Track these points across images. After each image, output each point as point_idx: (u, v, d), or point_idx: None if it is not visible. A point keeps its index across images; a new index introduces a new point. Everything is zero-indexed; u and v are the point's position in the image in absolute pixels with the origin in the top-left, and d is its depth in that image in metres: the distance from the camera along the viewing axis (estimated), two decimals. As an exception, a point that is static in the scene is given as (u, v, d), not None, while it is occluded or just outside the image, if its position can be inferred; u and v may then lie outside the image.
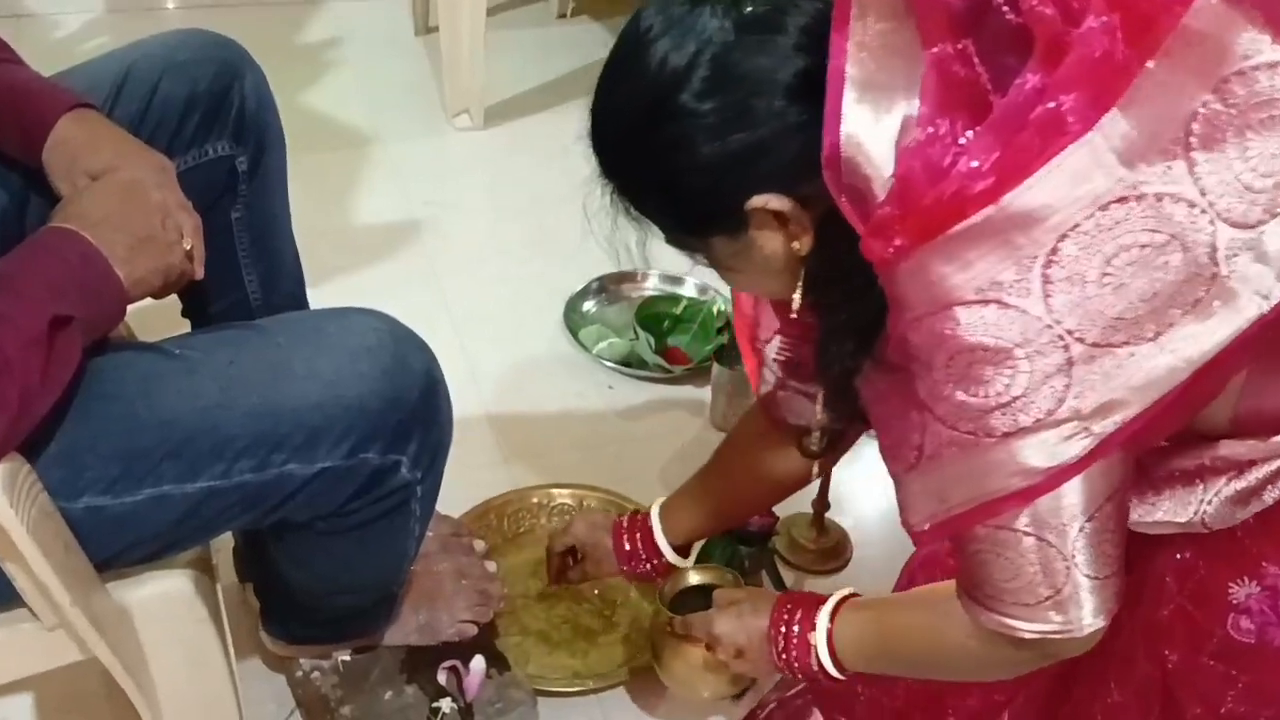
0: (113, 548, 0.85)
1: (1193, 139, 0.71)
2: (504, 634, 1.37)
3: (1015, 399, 0.76)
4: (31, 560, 0.75)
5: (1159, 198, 0.72)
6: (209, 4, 2.72)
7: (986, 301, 0.74)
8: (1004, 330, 0.74)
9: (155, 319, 1.22)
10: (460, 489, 1.48)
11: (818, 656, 1.03)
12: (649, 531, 1.30)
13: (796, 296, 0.90)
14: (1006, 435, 0.77)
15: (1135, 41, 0.70)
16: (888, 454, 0.88)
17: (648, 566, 1.30)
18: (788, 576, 1.52)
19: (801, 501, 1.61)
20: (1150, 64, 0.70)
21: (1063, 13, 0.72)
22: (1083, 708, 1.05)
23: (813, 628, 1.04)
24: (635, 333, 1.88)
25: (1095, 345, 0.74)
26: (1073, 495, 0.79)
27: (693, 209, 0.87)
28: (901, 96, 0.75)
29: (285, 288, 1.22)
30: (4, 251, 0.87)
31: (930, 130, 0.74)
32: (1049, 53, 0.72)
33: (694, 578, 1.30)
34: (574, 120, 2.49)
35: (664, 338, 1.90)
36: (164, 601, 0.91)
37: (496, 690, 1.25)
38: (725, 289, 1.96)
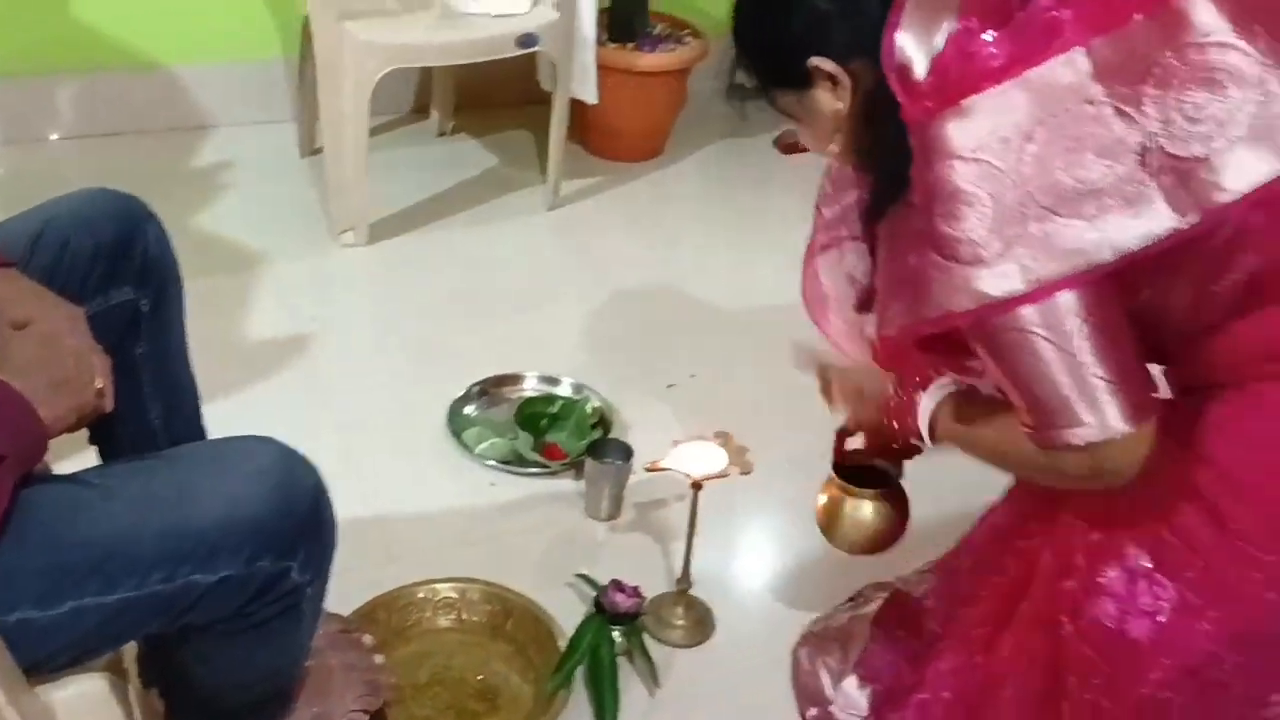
0: (39, 654, 0.97)
1: (1149, 79, 1.00)
2: (394, 722, 1.49)
3: (967, 239, 1.03)
4: (-31, 667, 0.87)
5: (1116, 111, 1.00)
6: (100, 134, 2.82)
7: (978, 160, 1.02)
8: (983, 183, 1.02)
9: (64, 444, 1.34)
10: (349, 588, 1.60)
11: (918, 419, 1.28)
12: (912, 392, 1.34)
13: (834, 144, 1.21)
14: (969, 263, 1.04)
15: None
16: (884, 279, 1.16)
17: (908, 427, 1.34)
18: (657, 652, 1.66)
19: (666, 582, 1.78)
20: (1137, 17, 1.01)
21: None
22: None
23: (923, 391, 1.28)
24: (515, 432, 2.03)
25: (1045, 209, 1.01)
26: (1044, 312, 1.03)
27: (780, 65, 1.20)
28: (946, 18, 1.05)
29: (184, 413, 1.35)
30: None
31: (965, 25, 1.04)
32: None
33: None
34: (456, 234, 2.79)
35: (542, 435, 2.05)
36: (83, 701, 1.03)
37: (388, 772, 1.37)
38: (599, 388, 2.14)
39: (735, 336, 2.39)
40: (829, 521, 1.50)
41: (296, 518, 1.05)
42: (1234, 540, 1.10)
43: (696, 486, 1.67)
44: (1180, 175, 1.00)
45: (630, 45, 2.91)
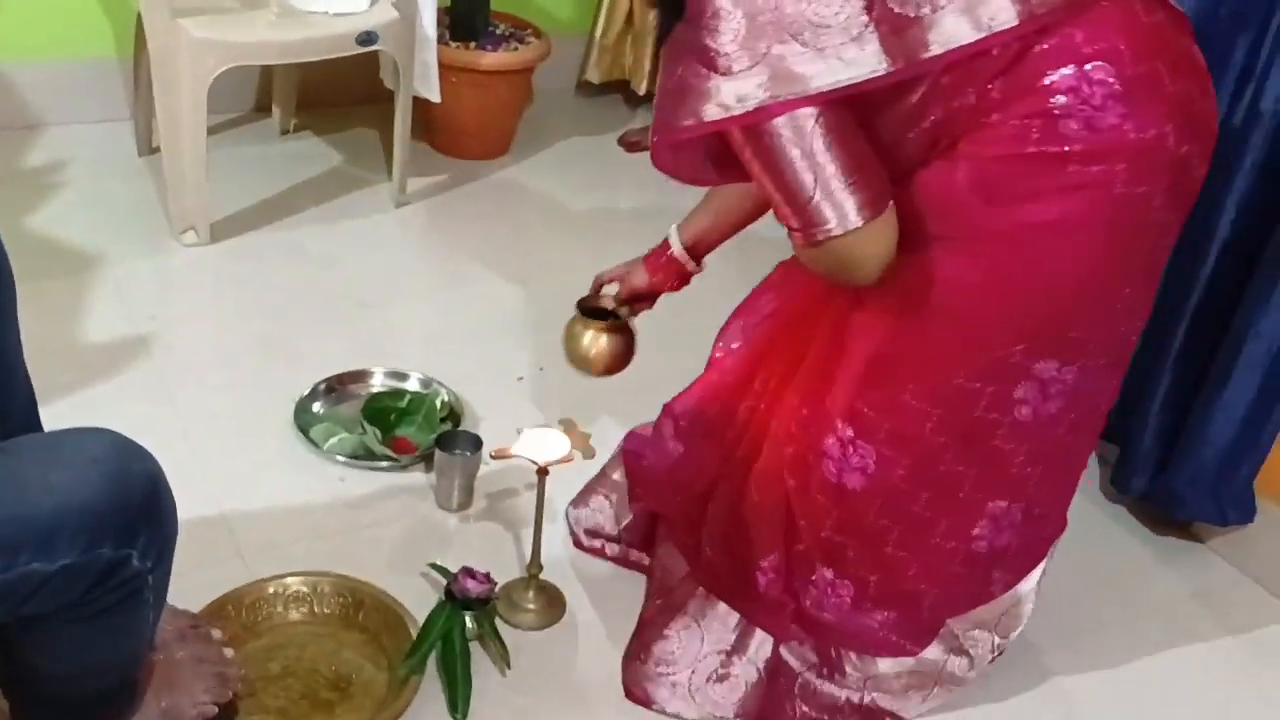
0: None
1: None
2: (245, 715, 1.50)
3: (720, 51, 1.21)
4: None
5: None
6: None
7: None
8: (740, 3, 1.19)
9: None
10: (198, 587, 1.60)
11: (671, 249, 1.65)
12: (666, 243, 1.71)
13: None
14: (712, 73, 1.21)
15: None
16: (659, 91, 1.31)
17: (671, 270, 1.71)
18: (509, 635, 1.70)
19: (518, 568, 1.82)
20: None
21: None
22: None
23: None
24: (363, 427, 2.04)
25: (787, 34, 1.19)
26: (789, 124, 1.21)
27: None
28: None
29: (19, 416, 1.34)
30: None
31: None
32: None
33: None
34: (301, 232, 2.80)
35: (391, 429, 2.07)
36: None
37: (240, 762, 1.38)
38: (448, 382, 2.17)
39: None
40: (571, 348, 1.78)
41: (133, 504, 1.06)
42: (909, 402, 1.41)
43: (542, 473, 1.72)
44: (896, 27, 1.20)
45: (472, 44, 2.95)
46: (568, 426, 1.77)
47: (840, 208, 1.23)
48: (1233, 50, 1.88)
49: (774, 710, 1.62)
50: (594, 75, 3.38)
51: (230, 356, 2.23)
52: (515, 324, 2.45)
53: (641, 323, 1.82)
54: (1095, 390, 1.45)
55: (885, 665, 1.62)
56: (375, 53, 2.57)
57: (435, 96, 2.78)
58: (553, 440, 1.72)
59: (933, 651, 1.62)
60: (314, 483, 1.96)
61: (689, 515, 1.74)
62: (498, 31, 3.03)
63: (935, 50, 1.21)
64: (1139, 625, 1.93)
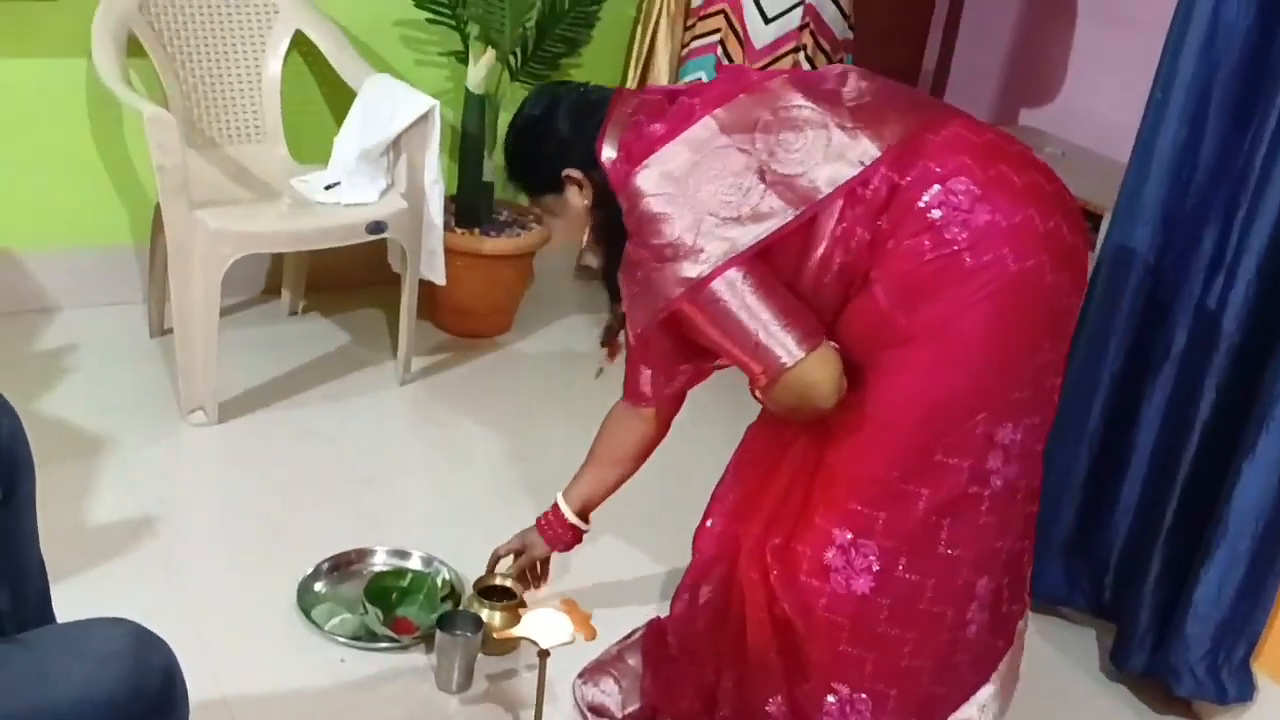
0: None
1: (757, 127, 1.55)
2: None
3: (670, 243, 1.54)
4: None
5: (738, 149, 1.54)
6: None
7: (662, 193, 1.55)
8: (670, 206, 1.55)
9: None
10: None
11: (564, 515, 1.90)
12: (558, 509, 1.97)
13: (586, 234, 1.74)
14: (669, 260, 1.54)
15: (734, 84, 1.63)
16: (627, 300, 1.65)
17: (563, 534, 1.98)
18: None
19: None
20: (743, 96, 1.58)
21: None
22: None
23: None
24: (365, 607, 2.06)
25: (710, 216, 1.53)
26: (725, 283, 1.52)
27: (542, 178, 1.74)
28: (628, 122, 1.65)
29: (33, 598, 1.37)
30: None
31: (637, 120, 1.63)
32: (690, 93, 1.65)
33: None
34: (307, 411, 2.87)
35: (393, 609, 2.08)
36: None
37: None
38: (450, 560, 2.19)
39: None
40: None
41: (149, 697, 1.09)
42: (900, 486, 1.55)
43: (544, 655, 1.73)
44: (787, 185, 1.53)
45: (476, 230, 3.07)
46: (569, 607, 1.79)
47: (784, 344, 1.50)
48: (1200, 241, 1.98)
49: None
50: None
51: (235, 536, 2.26)
52: (516, 500, 2.48)
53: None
54: (1036, 451, 1.64)
55: None
56: (383, 237, 2.68)
57: (441, 280, 2.88)
58: (555, 622, 1.74)
59: None
60: (315, 663, 1.96)
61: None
62: (501, 218, 3.16)
63: (825, 190, 1.52)
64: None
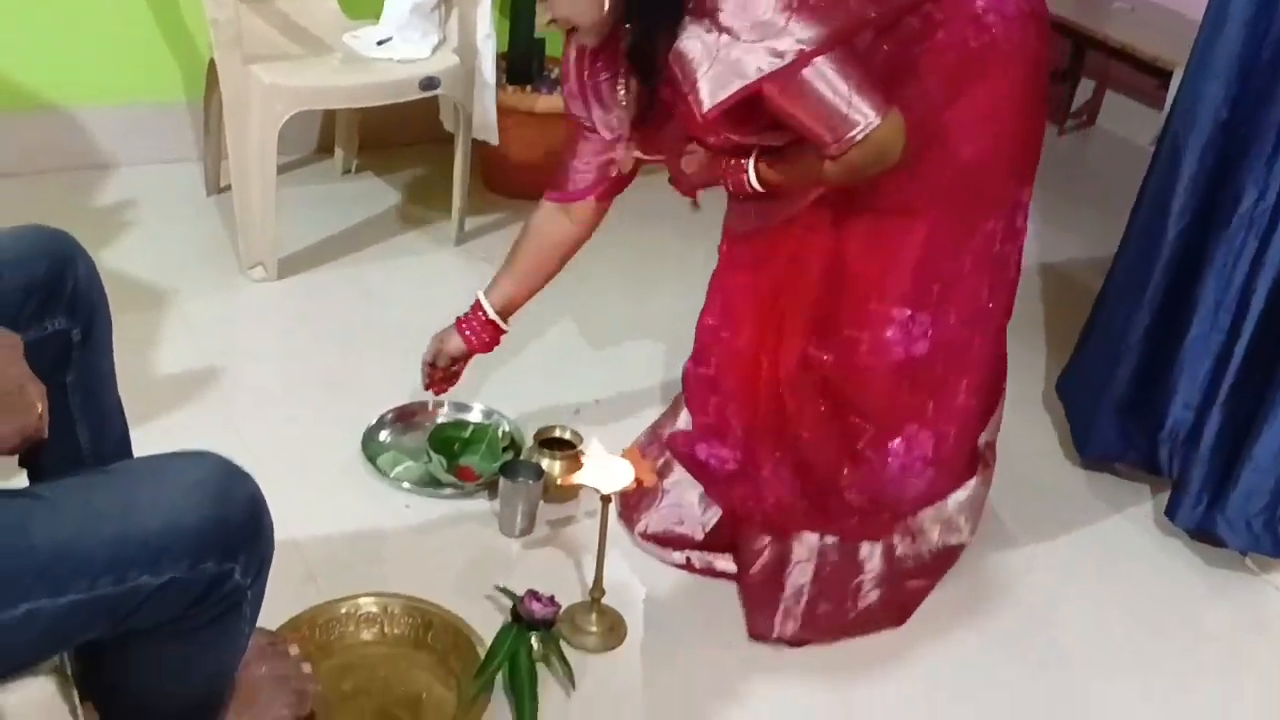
0: (-8, 657, 1.03)
1: None
2: (322, 732, 1.55)
3: (768, 19, 1.51)
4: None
5: None
6: (6, 174, 2.83)
7: None
8: None
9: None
10: (272, 606, 1.62)
11: (749, 176, 1.71)
12: (479, 307, 2.01)
13: (605, 6, 1.64)
14: (762, 39, 1.52)
15: None
16: (699, 77, 1.56)
17: (480, 330, 2.02)
18: (572, 656, 1.75)
19: (579, 593, 1.87)
20: None
21: None
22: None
23: (745, 162, 1.71)
24: (429, 456, 2.10)
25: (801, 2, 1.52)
26: (812, 67, 1.53)
27: None
28: None
29: (113, 438, 1.41)
30: None
31: None
32: None
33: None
34: (364, 269, 2.88)
35: (455, 458, 2.13)
36: (30, 706, 1.08)
37: (319, 775, 1.43)
38: (509, 413, 2.23)
39: (635, 362, 2.50)
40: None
41: (235, 523, 1.12)
42: (953, 258, 1.75)
43: (606, 500, 1.76)
44: None
45: (528, 88, 3.03)
46: (630, 455, 1.82)
47: (863, 112, 1.55)
48: (1274, 95, 1.93)
49: (894, 594, 1.89)
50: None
51: (297, 389, 2.30)
52: (571, 356, 2.51)
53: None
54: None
55: (952, 506, 1.95)
56: (435, 95, 2.66)
57: (494, 139, 2.86)
58: (616, 468, 1.77)
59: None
60: (381, 510, 2.02)
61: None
62: (552, 75, 3.11)
63: None
64: (1196, 656, 1.94)
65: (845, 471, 1.87)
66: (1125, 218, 2.28)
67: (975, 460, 1.98)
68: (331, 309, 2.56)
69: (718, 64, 1.55)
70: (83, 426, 1.37)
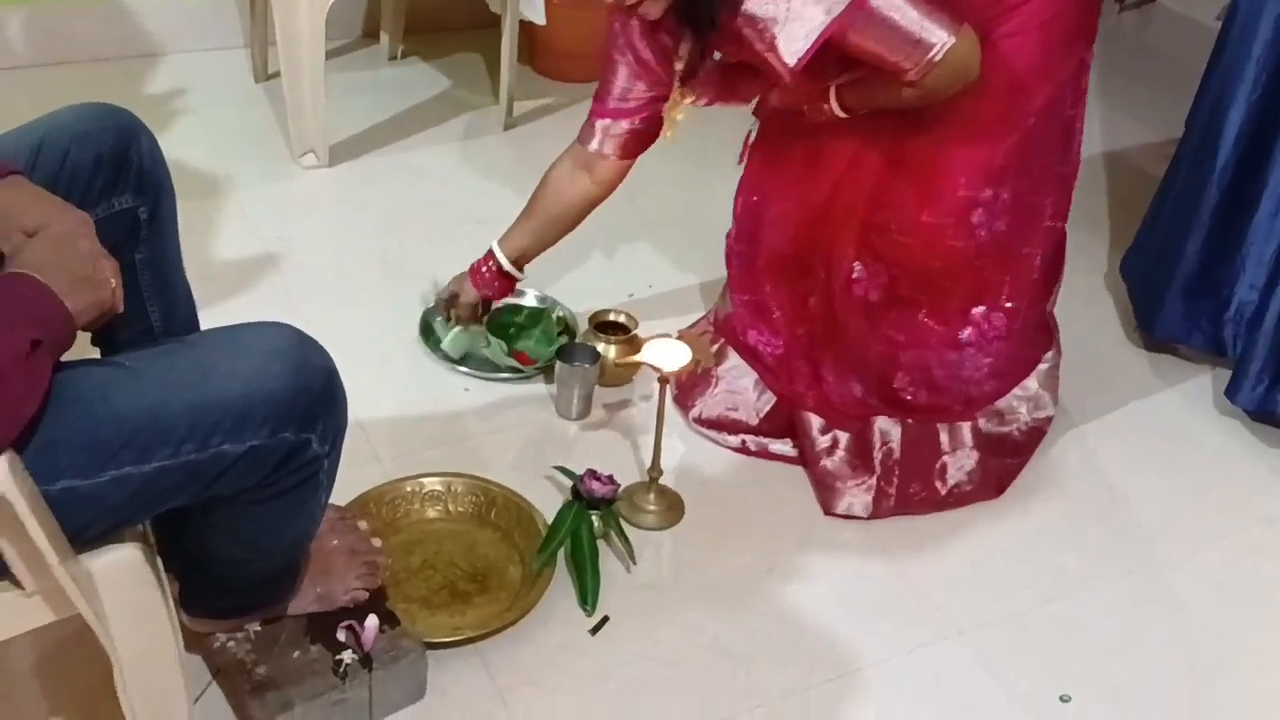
0: (80, 522, 1.05)
1: None
2: (391, 604, 1.59)
3: None
4: (30, 530, 0.95)
5: None
6: (49, 63, 2.84)
7: None
8: None
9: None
10: (339, 487, 1.66)
11: (832, 106, 1.73)
12: (492, 255, 2.02)
13: None
14: None
15: None
16: (766, 38, 1.59)
17: (492, 280, 2.03)
18: (631, 533, 1.78)
19: (636, 473, 1.89)
20: None
21: None
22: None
23: (827, 92, 1.73)
24: (487, 340, 2.12)
25: None
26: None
27: None
28: None
29: (181, 314, 1.43)
30: None
31: None
32: None
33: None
34: (414, 154, 2.86)
35: (512, 343, 2.14)
36: (118, 569, 1.11)
37: (390, 642, 1.47)
38: (563, 298, 2.23)
39: (686, 248, 2.48)
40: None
41: (314, 392, 1.14)
42: (1032, 125, 1.75)
43: (664, 381, 1.77)
44: None
45: (576, -34, 2.96)
46: (687, 337, 1.82)
47: (936, 34, 1.58)
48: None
49: (988, 471, 1.93)
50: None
51: (354, 273, 2.32)
52: (624, 241, 2.50)
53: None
54: None
55: (1034, 381, 1.99)
56: (483, -25, 2.61)
57: (541, 19, 2.81)
58: (674, 349, 1.77)
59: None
60: (440, 393, 2.04)
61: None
62: (600, -47, 3.04)
63: None
64: (1253, 535, 1.94)
65: (899, 374, 1.89)
66: (1188, 101, 2.23)
67: (1048, 331, 2.00)
68: (383, 195, 2.56)
69: (790, 20, 1.57)
70: (153, 304, 1.38)
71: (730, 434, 2.00)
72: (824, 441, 1.92)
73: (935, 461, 1.92)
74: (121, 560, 1.12)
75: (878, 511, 1.87)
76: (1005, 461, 1.95)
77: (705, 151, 2.84)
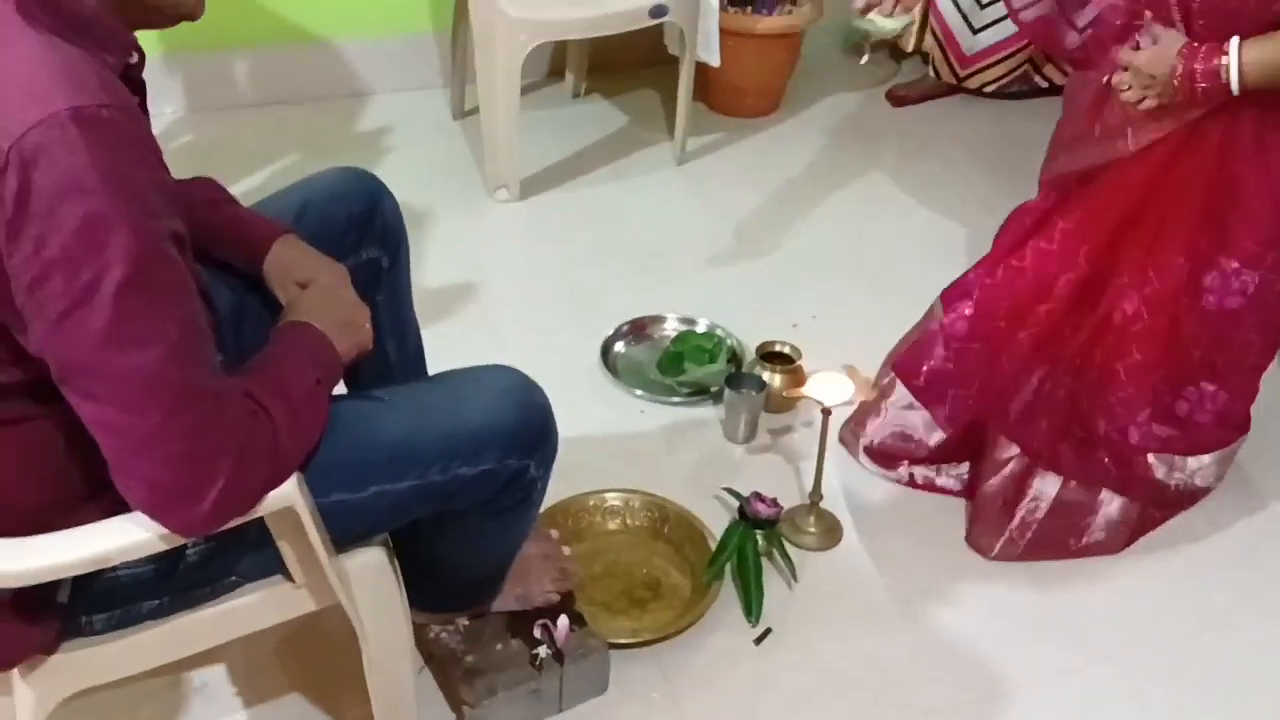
0: (343, 529, 1.27)
1: None
2: (579, 606, 1.78)
3: None
4: (311, 534, 1.18)
5: None
6: (272, 102, 3.15)
7: None
8: None
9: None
10: None
11: (1226, 69, 1.54)
12: None
13: None
14: None
15: None
16: None
17: None
18: (793, 553, 1.93)
19: (798, 496, 2.04)
20: None
21: None
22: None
23: (1223, 53, 1.55)
24: (662, 367, 2.31)
25: None
26: None
27: None
28: None
29: (412, 349, 1.66)
30: (233, 329, 1.33)
31: None
32: None
33: None
34: (596, 189, 3.11)
35: (684, 370, 2.32)
36: (368, 568, 1.34)
37: (579, 640, 1.66)
38: (731, 327, 2.40)
39: (850, 278, 2.63)
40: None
41: (535, 425, 1.35)
42: None
43: (826, 413, 1.92)
44: None
45: (749, 9, 3.13)
46: (850, 372, 1.97)
47: None
48: None
49: (1124, 525, 1.94)
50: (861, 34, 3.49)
51: (544, 301, 2.54)
52: (789, 272, 2.65)
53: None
54: None
55: (1210, 456, 1.97)
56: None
57: (715, 61, 2.98)
58: (838, 383, 1.92)
59: None
60: (620, 414, 2.24)
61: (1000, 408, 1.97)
62: (772, -5, 3.21)
63: None
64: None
65: (1144, 412, 1.87)
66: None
67: (1248, 416, 2.00)
68: (568, 228, 2.77)
69: None
70: (390, 339, 1.61)
71: (899, 463, 2.09)
72: (998, 469, 1.96)
73: (1081, 521, 1.95)
74: (371, 561, 1.34)
75: (1000, 556, 1.94)
76: (1149, 511, 1.98)
77: (867, 185, 2.98)
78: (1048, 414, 1.93)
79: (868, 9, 1.80)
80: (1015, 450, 1.95)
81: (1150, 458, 1.93)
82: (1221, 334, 1.82)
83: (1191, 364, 1.85)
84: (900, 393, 2.06)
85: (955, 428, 2.02)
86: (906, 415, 2.06)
